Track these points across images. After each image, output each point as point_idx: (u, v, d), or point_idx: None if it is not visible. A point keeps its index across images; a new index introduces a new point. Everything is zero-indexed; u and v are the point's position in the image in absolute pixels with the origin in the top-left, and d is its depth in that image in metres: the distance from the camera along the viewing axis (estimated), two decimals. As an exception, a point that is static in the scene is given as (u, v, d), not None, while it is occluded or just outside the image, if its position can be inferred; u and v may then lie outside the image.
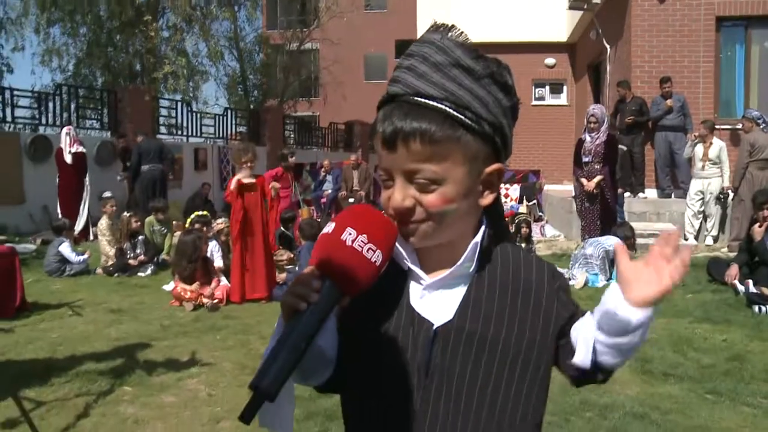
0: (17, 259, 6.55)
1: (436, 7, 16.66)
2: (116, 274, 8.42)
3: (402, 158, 1.06)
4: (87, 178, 11.48)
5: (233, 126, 17.80)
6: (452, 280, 1.12)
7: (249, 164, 6.90)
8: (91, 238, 11.14)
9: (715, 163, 9.88)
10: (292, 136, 20.11)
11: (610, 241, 7.51)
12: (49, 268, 8.37)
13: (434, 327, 1.09)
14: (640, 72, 11.51)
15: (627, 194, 10.92)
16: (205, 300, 6.68)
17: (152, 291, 7.58)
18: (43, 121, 13.16)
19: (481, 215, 1.16)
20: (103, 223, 9.06)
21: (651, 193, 11.42)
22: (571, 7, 14.84)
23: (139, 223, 8.94)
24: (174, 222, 10.19)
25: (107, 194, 10.65)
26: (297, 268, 7.24)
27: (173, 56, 13.83)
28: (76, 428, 3.62)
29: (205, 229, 7.79)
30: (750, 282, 6.57)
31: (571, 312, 1.16)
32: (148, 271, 8.60)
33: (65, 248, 8.43)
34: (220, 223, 8.30)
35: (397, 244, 1.09)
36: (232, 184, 6.91)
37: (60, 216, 11.01)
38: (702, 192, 10.04)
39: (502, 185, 1.25)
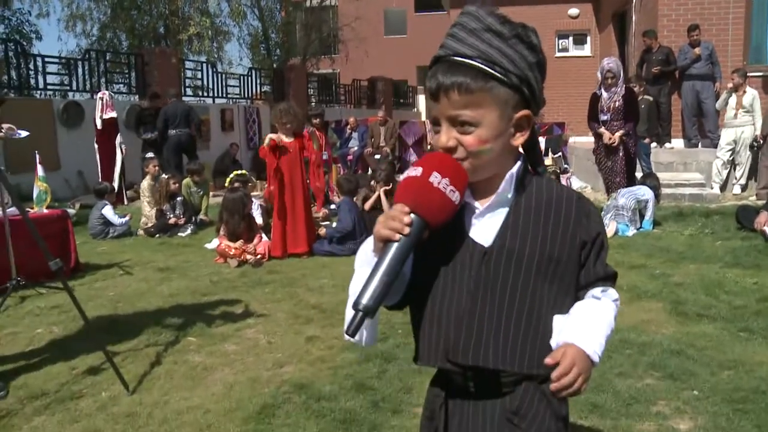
0: (70, 222, 6.85)
1: (458, -40, 16.50)
2: (157, 235, 8.72)
3: (445, 107, 1.32)
4: (118, 142, 11.73)
5: (258, 86, 17.91)
6: (496, 207, 1.37)
7: (288, 125, 7.11)
8: (125, 202, 11.48)
9: (748, 111, 9.89)
10: (314, 94, 20.19)
11: (642, 191, 7.66)
12: (93, 231, 8.69)
13: (484, 247, 1.36)
14: (667, 21, 11.43)
15: (654, 144, 10.97)
16: (248, 256, 6.96)
17: (195, 250, 7.88)
18: (73, 86, 13.38)
19: (518, 153, 1.40)
20: (145, 183, 9.34)
21: (678, 143, 11.45)
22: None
23: (177, 185, 9.20)
24: (210, 183, 10.46)
25: (150, 155, 10.89)
26: (338, 223, 7.45)
27: (197, 17, 13.93)
28: (152, 375, 3.91)
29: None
30: (779, 226, 6.70)
31: (591, 236, 1.40)
32: (188, 231, 8.88)
33: (108, 211, 8.73)
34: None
35: None
36: (266, 141, 7.12)
37: (100, 180, 11.36)
38: (735, 141, 10.07)
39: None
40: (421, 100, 28.24)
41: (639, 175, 9.65)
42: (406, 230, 1.26)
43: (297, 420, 3.27)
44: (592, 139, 8.72)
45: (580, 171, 12.72)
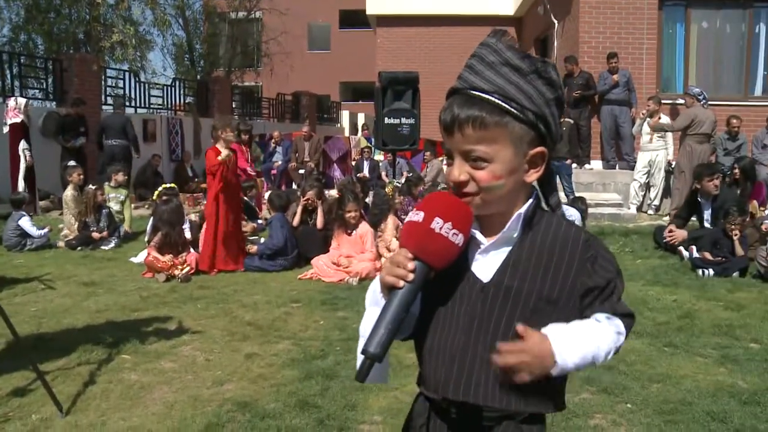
0: (-15, 233, 6.50)
1: (386, -21, 16.76)
2: (79, 248, 8.39)
3: (459, 140, 1.31)
4: (20, 149, 11.16)
5: (181, 97, 17.52)
6: (501, 245, 1.36)
7: (230, 138, 7.05)
8: (37, 212, 10.96)
9: (662, 137, 10.46)
10: (238, 107, 19.92)
11: (569, 212, 7.97)
12: (8, 243, 8.28)
13: (482, 283, 1.35)
14: (587, 47, 11.98)
15: (574, 165, 11.43)
16: (176, 271, 6.78)
17: (120, 263, 7.62)
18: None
19: (531, 190, 1.39)
20: (68, 193, 8.97)
21: (596, 164, 11.98)
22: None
23: (104, 197, 8.90)
24: (131, 195, 10.17)
25: (72, 163, 10.47)
26: (268, 239, 7.37)
27: (121, 24, 13.52)
28: (86, 394, 3.76)
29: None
30: (693, 248, 7.11)
31: (597, 283, 1.35)
32: (112, 244, 8.59)
33: (25, 222, 8.35)
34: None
35: None
36: (224, 155, 7.00)
37: (11, 190, 10.82)
38: (650, 164, 10.63)
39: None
40: (345, 116, 28.33)
41: (562, 195, 10.05)
42: (410, 277, 1.28)
43: (243, 439, 3.22)
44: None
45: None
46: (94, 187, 8.81)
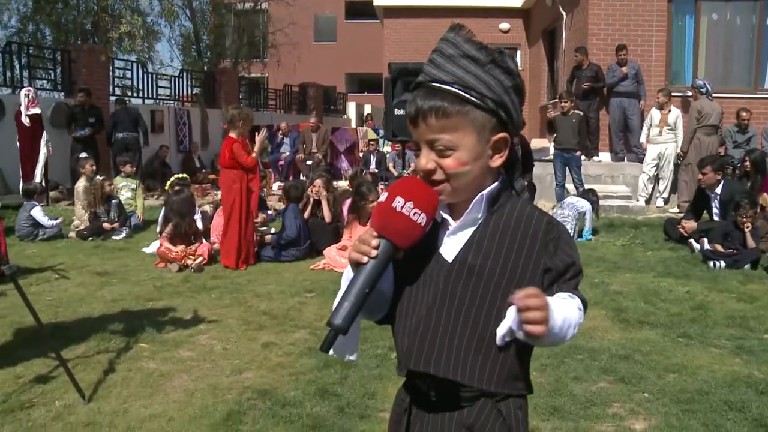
0: (0, 222, 6.53)
1: (393, -30, 16.71)
2: (90, 238, 8.43)
3: (423, 131, 1.37)
4: (43, 141, 11.25)
5: (188, 87, 17.52)
6: (466, 226, 1.41)
7: (245, 130, 7.04)
8: (48, 203, 11.01)
9: (672, 129, 10.44)
10: (244, 97, 19.90)
11: (581, 203, 8.00)
12: (21, 233, 8.32)
13: (448, 262, 1.40)
14: (596, 39, 11.93)
15: (582, 157, 11.42)
16: (189, 261, 6.81)
17: (131, 253, 7.66)
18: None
19: (497, 174, 1.43)
20: (80, 185, 9.00)
21: (605, 156, 11.96)
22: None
23: (112, 187, 8.93)
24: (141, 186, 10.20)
25: (84, 155, 10.51)
26: (282, 229, 7.40)
27: (129, 15, 13.51)
28: (107, 382, 3.80)
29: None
30: (705, 240, 7.12)
31: (557, 266, 1.38)
32: (123, 234, 8.62)
33: (37, 212, 8.39)
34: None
35: None
36: (256, 151, 7.00)
37: (21, 180, 10.87)
38: (659, 157, 10.61)
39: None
40: (352, 107, 28.29)
41: (570, 186, 10.05)
42: (373, 253, 1.33)
43: (265, 426, 3.25)
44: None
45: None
46: (101, 178, 8.84)
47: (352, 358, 1.49)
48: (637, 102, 11.44)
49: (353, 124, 24.67)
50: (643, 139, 10.94)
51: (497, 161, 1.40)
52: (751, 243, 6.77)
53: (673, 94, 11.01)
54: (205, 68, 20.00)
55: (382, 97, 11.12)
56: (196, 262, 6.80)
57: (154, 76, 16.45)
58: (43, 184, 10.96)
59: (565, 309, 1.34)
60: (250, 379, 3.88)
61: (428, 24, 20.08)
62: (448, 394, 1.41)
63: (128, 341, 4.48)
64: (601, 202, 9.75)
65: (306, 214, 7.77)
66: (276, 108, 21.90)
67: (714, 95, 11.33)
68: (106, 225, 8.55)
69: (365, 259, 1.33)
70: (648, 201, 10.88)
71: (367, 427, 3.25)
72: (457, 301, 1.38)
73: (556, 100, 11.74)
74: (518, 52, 18.86)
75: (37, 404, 3.51)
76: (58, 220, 8.62)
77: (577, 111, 10.86)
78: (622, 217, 9.71)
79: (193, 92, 17.82)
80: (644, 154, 10.97)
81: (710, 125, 10.04)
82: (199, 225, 7.60)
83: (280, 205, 9.40)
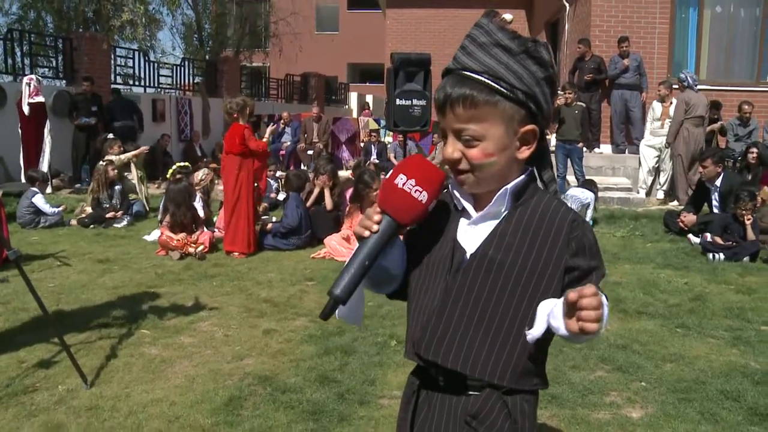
0: (2, 209, 6.55)
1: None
2: (92, 226, 8.45)
3: (451, 119, 1.36)
4: (47, 130, 11.28)
5: (190, 76, 17.50)
6: (489, 218, 1.41)
7: (248, 119, 7.07)
8: (49, 190, 11.03)
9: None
10: (246, 87, 19.88)
11: (585, 195, 8.02)
12: (22, 220, 8.34)
13: (467, 254, 1.40)
14: (598, 31, 11.90)
15: (584, 149, 11.42)
16: (190, 249, 6.84)
17: (133, 241, 7.68)
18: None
19: (524, 166, 1.42)
20: (101, 166, 9.00)
21: (606, 148, 11.96)
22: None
23: (115, 172, 8.93)
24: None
25: (111, 136, 10.58)
26: (284, 218, 7.42)
27: (131, 3, 13.47)
28: (109, 367, 3.83)
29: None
30: (707, 234, 7.13)
31: (579, 265, 1.36)
32: (124, 222, 8.64)
33: (39, 200, 8.41)
34: (204, 175, 8.43)
35: (455, 191, 1.44)
36: (266, 138, 7.16)
37: (23, 168, 10.89)
38: (660, 149, 10.62)
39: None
40: (353, 98, 28.25)
41: (571, 178, 10.06)
42: (375, 227, 1.35)
43: (266, 411, 3.29)
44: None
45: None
46: (104, 163, 8.84)
47: (358, 323, 1.51)
48: (639, 94, 11.43)
49: (355, 115, 24.63)
50: (647, 134, 10.92)
51: (525, 153, 1.39)
52: (750, 236, 6.79)
53: (674, 86, 10.99)
54: (207, 57, 19.99)
55: (384, 87, 11.13)
56: (198, 249, 6.83)
57: (156, 64, 16.44)
58: (49, 172, 11.00)
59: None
60: (250, 365, 3.92)
61: (430, 14, 20.05)
62: (455, 381, 1.42)
63: (130, 327, 4.51)
64: (601, 194, 9.78)
65: (309, 202, 7.79)
66: (277, 98, 21.89)
67: (716, 88, 11.34)
68: (109, 215, 8.56)
69: (367, 233, 1.35)
70: (648, 193, 10.89)
71: (366, 413, 3.29)
72: (474, 294, 1.38)
73: (559, 91, 11.72)
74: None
75: (40, 388, 3.55)
76: (60, 208, 8.64)
77: (579, 102, 10.87)
78: (623, 209, 9.73)
79: (195, 81, 17.80)
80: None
81: (697, 116, 10.04)
82: (201, 213, 7.64)
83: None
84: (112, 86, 14.36)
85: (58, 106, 12.47)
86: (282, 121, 15.94)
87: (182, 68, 17.21)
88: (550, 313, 1.29)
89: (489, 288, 1.37)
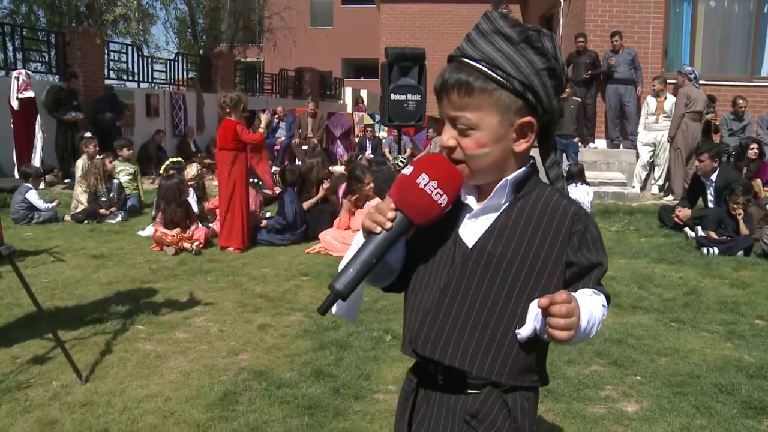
0: (-5, 205, 6.53)
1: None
2: (86, 221, 8.42)
3: (446, 106, 1.34)
4: (38, 125, 11.21)
5: (184, 71, 17.42)
6: (489, 211, 1.37)
7: (242, 114, 7.06)
8: (42, 186, 10.97)
9: (668, 116, 10.45)
10: (240, 82, 19.82)
11: (586, 189, 8.03)
12: (15, 216, 8.31)
13: (467, 248, 1.37)
14: (593, 26, 11.90)
15: (579, 144, 11.43)
16: (185, 245, 6.82)
17: (127, 237, 7.66)
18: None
19: (525, 159, 1.38)
20: (80, 163, 8.96)
21: (601, 143, 11.97)
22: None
23: (113, 164, 8.89)
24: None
25: (88, 134, 10.50)
26: (279, 214, 7.40)
27: (124, -3, 13.49)
28: (104, 363, 3.82)
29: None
30: (699, 228, 7.16)
31: (580, 261, 1.34)
32: (118, 218, 8.61)
33: (32, 195, 8.37)
34: (196, 171, 8.41)
35: None
36: (262, 127, 7.11)
37: (16, 164, 10.82)
38: (655, 144, 10.64)
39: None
40: (347, 93, 28.20)
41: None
42: (388, 225, 1.29)
43: (261, 406, 3.28)
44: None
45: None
46: (101, 156, 8.80)
47: (351, 320, 1.48)
48: (634, 89, 11.44)
49: (349, 110, 24.59)
50: (641, 128, 10.94)
51: (522, 146, 1.34)
52: (744, 230, 6.81)
53: (669, 81, 11.00)
54: (201, 52, 19.89)
55: (379, 82, 11.11)
56: (194, 245, 6.81)
57: (150, 59, 16.36)
58: (41, 168, 10.94)
59: (589, 308, 1.29)
60: (245, 360, 3.91)
61: (425, 9, 20.01)
62: (455, 379, 1.39)
63: (124, 323, 4.50)
64: (596, 189, 9.79)
65: (307, 205, 7.73)
66: (272, 93, 21.82)
67: (710, 83, 11.36)
68: (103, 211, 8.53)
69: (378, 229, 1.30)
70: (643, 188, 10.91)
71: (361, 407, 3.28)
72: (472, 290, 1.35)
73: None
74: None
75: (34, 384, 3.53)
76: (53, 204, 8.60)
77: (575, 97, 10.89)
78: (617, 204, 9.75)
79: (189, 76, 17.72)
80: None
81: (696, 111, 10.06)
82: (195, 208, 7.62)
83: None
84: (107, 80, 14.30)
85: (51, 101, 12.40)
86: (276, 116, 15.90)
87: (176, 63, 17.13)
88: (536, 315, 1.29)
89: (488, 283, 1.34)
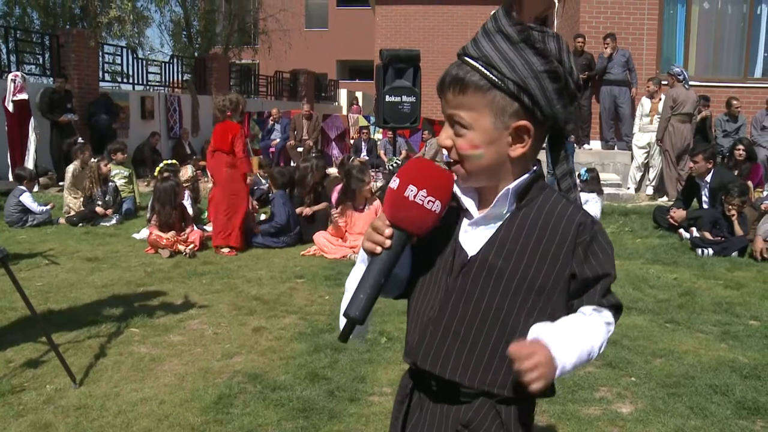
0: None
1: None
2: (80, 224, 8.39)
3: (443, 104, 1.33)
4: (31, 127, 11.20)
5: (179, 74, 17.40)
6: (491, 220, 1.34)
7: (239, 116, 7.06)
8: (35, 189, 10.94)
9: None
10: (235, 84, 19.80)
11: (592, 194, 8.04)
12: (9, 219, 8.28)
13: (468, 257, 1.33)
14: (587, 27, 11.92)
15: (575, 145, 11.45)
16: (180, 247, 6.81)
17: (122, 239, 7.64)
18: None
19: (527, 165, 1.33)
20: (71, 168, 8.94)
21: (595, 144, 12.00)
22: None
23: (108, 167, 8.87)
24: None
25: (81, 140, 10.46)
26: (272, 217, 7.39)
27: (119, 0, 13.36)
28: (98, 366, 3.81)
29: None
30: (693, 229, 7.18)
31: (586, 275, 1.30)
32: (113, 221, 8.58)
33: (26, 198, 8.34)
34: (192, 173, 8.40)
35: (457, 189, 1.36)
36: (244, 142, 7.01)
37: (10, 167, 10.81)
38: (649, 145, 10.67)
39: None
40: (343, 94, 28.21)
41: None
42: (387, 243, 1.28)
43: (255, 409, 3.27)
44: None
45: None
46: (97, 159, 8.77)
47: (361, 342, 1.47)
48: (628, 90, 11.47)
49: (344, 112, 24.60)
50: (636, 130, 10.96)
51: (518, 151, 1.29)
52: (738, 231, 6.83)
53: (663, 82, 11.03)
54: (196, 54, 19.87)
55: (374, 84, 11.11)
56: (188, 248, 6.80)
57: (145, 62, 16.34)
58: (35, 170, 10.92)
59: (582, 339, 1.27)
60: (240, 363, 3.90)
61: (420, 10, 20.06)
62: (449, 388, 1.38)
63: (119, 326, 4.48)
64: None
65: (309, 211, 7.71)
66: (267, 95, 21.80)
67: (704, 84, 11.39)
68: (99, 210, 8.49)
69: (379, 249, 1.28)
70: (637, 189, 10.94)
71: (356, 410, 3.28)
72: (473, 303, 1.32)
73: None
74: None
75: (28, 388, 3.52)
76: (48, 206, 8.58)
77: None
78: (612, 205, 9.77)
79: (184, 78, 17.70)
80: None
81: (684, 113, 10.08)
82: (190, 211, 7.60)
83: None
84: (104, 88, 14.32)
85: (45, 104, 12.37)
86: (271, 118, 15.89)
87: (171, 65, 17.11)
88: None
89: (489, 296, 1.31)
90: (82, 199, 8.63)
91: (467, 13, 18.40)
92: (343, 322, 1.32)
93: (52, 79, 13.57)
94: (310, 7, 35.76)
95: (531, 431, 1.40)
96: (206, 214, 8.26)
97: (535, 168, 1.35)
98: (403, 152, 13.54)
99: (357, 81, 35.12)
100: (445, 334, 1.34)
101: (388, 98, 8.92)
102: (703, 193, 7.97)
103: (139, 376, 3.70)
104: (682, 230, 7.46)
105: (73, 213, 8.56)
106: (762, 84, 11.95)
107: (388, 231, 1.28)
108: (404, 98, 8.92)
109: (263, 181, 10.60)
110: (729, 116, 10.72)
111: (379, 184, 9.32)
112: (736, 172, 8.81)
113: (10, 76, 11.12)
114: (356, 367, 3.80)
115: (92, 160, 8.87)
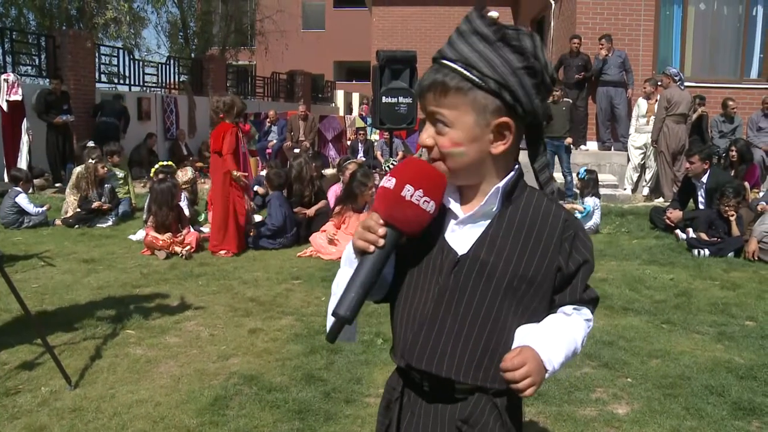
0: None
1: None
2: (76, 226, 8.37)
3: (426, 104, 1.34)
4: (24, 128, 11.15)
5: (176, 75, 17.38)
6: (479, 218, 1.36)
7: (236, 118, 7.04)
8: (33, 190, 10.91)
9: (658, 119, 10.48)
10: (232, 85, 19.78)
11: (594, 200, 8.03)
12: (5, 220, 8.25)
13: (457, 256, 1.35)
14: (584, 28, 11.94)
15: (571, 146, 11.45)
16: (177, 248, 6.80)
17: (118, 241, 7.62)
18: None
19: (511, 164, 1.37)
20: (77, 170, 8.90)
21: (592, 145, 12.01)
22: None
23: (105, 169, 8.84)
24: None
25: (91, 143, 10.44)
26: (268, 219, 7.38)
27: (115, 1, 13.33)
28: (93, 368, 3.80)
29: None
30: (690, 230, 7.18)
31: (569, 267, 1.37)
32: (109, 222, 8.57)
33: (22, 199, 8.31)
34: (191, 174, 8.39)
35: None
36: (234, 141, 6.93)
37: (5, 168, 10.77)
38: (645, 146, 10.68)
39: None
40: (339, 96, 28.21)
41: (558, 175, 10.09)
42: (381, 242, 1.29)
43: (251, 411, 3.27)
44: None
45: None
46: (94, 161, 8.75)
47: (353, 340, 1.47)
48: (624, 91, 11.49)
49: (341, 113, 24.60)
50: (632, 130, 10.98)
51: (499, 148, 1.32)
52: (735, 231, 6.83)
53: (659, 83, 11.04)
54: (193, 55, 19.86)
55: (370, 85, 11.10)
56: (185, 249, 6.79)
57: (141, 63, 16.31)
58: (29, 172, 10.87)
59: (566, 340, 1.34)
60: (236, 364, 3.89)
61: (416, 12, 20.07)
62: (442, 386, 1.38)
63: (115, 328, 4.47)
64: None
65: (311, 212, 7.69)
66: (264, 96, 21.79)
67: (700, 85, 11.41)
68: (96, 203, 8.45)
69: (372, 248, 1.29)
70: (634, 190, 10.95)
71: (352, 411, 3.28)
72: (466, 299, 1.34)
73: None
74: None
75: (23, 390, 3.50)
76: (44, 208, 8.55)
77: (566, 99, 10.90)
78: (609, 206, 9.77)
79: (181, 80, 17.68)
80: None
81: (679, 114, 10.09)
82: (186, 212, 7.59)
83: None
84: (101, 89, 14.28)
85: (41, 105, 12.33)
86: (268, 120, 15.87)
87: (167, 67, 17.09)
88: (522, 338, 1.34)
89: (481, 292, 1.33)
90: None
91: (463, 14, 18.36)
92: (331, 321, 1.32)
93: (48, 80, 13.54)
94: (306, 8, 35.77)
95: (522, 416, 1.45)
96: (203, 215, 8.25)
97: (517, 166, 1.39)
98: (400, 153, 13.54)
99: (354, 82, 35.12)
100: (440, 332, 1.35)
101: (384, 99, 8.91)
102: (699, 193, 7.98)
103: (135, 377, 3.69)
104: (678, 231, 7.47)
105: (70, 214, 8.53)
106: (758, 85, 11.97)
107: (382, 230, 1.29)
108: (401, 99, 8.92)
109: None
110: (725, 117, 10.73)
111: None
112: (732, 173, 8.83)
113: (3, 77, 11.08)
114: (352, 368, 3.79)
115: (90, 161, 8.84)
